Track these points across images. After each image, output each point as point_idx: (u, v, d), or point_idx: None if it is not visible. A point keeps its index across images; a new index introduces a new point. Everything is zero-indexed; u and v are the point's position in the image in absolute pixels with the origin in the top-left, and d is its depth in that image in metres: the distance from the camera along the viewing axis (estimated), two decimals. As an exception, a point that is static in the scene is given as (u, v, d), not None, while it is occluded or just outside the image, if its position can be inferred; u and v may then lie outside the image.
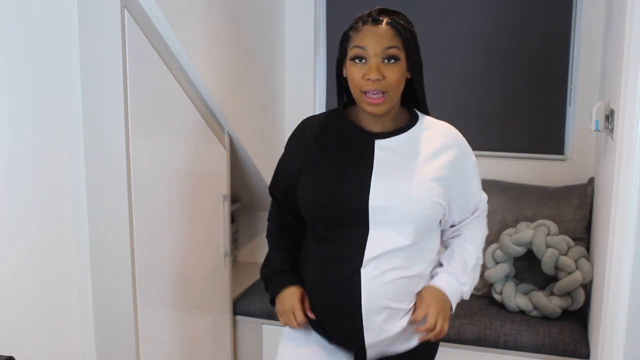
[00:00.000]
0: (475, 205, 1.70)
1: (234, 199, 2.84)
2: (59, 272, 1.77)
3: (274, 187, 1.75)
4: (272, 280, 1.69)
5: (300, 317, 1.61)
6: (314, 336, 1.67)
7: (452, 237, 1.72)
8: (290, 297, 1.63)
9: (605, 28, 2.54)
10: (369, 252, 1.52)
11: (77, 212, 1.81)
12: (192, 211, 2.23)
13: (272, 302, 1.70)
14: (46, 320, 1.73)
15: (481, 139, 2.84)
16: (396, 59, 1.48)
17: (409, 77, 1.54)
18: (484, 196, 1.74)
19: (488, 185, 2.69)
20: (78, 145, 1.79)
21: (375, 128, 1.57)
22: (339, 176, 1.54)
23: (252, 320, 2.63)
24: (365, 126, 1.57)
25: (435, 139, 1.57)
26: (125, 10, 1.74)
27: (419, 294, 1.59)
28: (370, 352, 1.62)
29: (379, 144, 1.55)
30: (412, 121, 1.59)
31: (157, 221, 1.99)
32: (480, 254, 1.70)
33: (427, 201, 1.52)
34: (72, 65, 1.75)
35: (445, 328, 1.58)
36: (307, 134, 1.63)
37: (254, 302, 2.64)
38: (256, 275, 2.93)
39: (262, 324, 2.62)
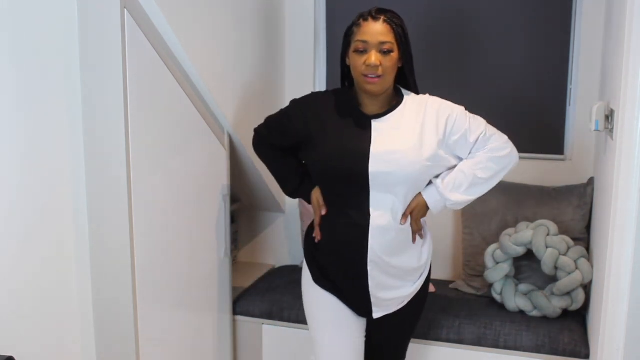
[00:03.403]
0: (476, 138, 1.90)
1: (234, 199, 2.84)
2: (59, 272, 1.77)
3: (271, 121, 2.05)
4: (299, 192, 2.07)
5: (324, 209, 1.97)
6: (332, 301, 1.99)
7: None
8: (315, 196, 2.00)
9: (605, 28, 2.54)
10: (373, 214, 1.86)
11: (77, 212, 1.81)
12: (192, 211, 2.23)
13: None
14: (46, 320, 1.73)
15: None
16: (390, 51, 1.82)
17: (400, 65, 1.87)
18: (491, 132, 1.92)
19: (488, 185, 2.70)
20: (78, 146, 1.79)
21: (372, 110, 1.90)
22: (345, 148, 1.86)
23: (252, 320, 2.63)
24: (363, 108, 1.91)
25: (417, 110, 1.89)
26: (125, 10, 1.74)
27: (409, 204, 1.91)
28: (375, 299, 1.95)
29: (374, 123, 1.88)
30: (399, 100, 1.92)
31: (157, 221, 1.99)
32: (481, 172, 1.90)
33: (417, 166, 1.83)
34: (72, 65, 1.75)
35: (419, 225, 1.94)
36: (317, 106, 1.95)
37: (254, 302, 2.64)
38: (256, 275, 2.93)
39: (262, 324, 2.62)
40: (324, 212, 1.96)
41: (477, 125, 1.90)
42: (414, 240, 1.94)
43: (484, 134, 1.89)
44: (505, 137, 1.94)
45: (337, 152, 1.87)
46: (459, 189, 1.89)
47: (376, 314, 1.98)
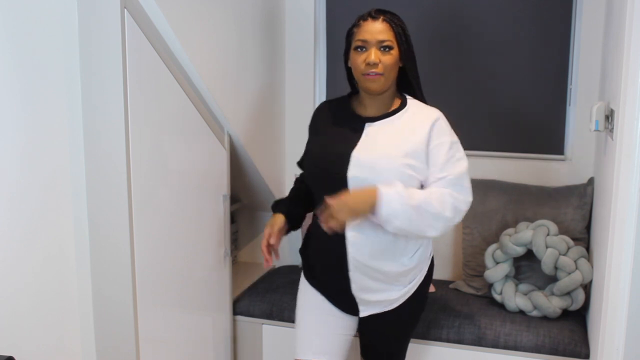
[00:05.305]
0: (441, 176, 1.82)
1: (234, 199, 2.84)
2: (59, 272, 1.77)
3: (302, 161, 2.09)
4: (278, 204, 2.11)
5: (266, 243, 2.00)
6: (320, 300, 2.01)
7: None
8: (272, 222, 2.03)
9: (605, 28, 2.54)
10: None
11: (77, 212, 1.81)
12: (192, 211, 2.23)
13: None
14: (46, 320, 1.73)
15: (481, 139, 2.84)
16: (390, 47, 1.83)
17: (401, 65, 1.88)
18: (465, 184, 1.84)
19: (488, 185, 2.70)
20: (78, 145, 1.79)
21: (370, 113, 1.90)
22: (328, 151, 1.88)
23: (252, 320, 2.63)
24: (361, 111, 1.92)
25: (415, 120, 1.87)
26: (125, 10, 1.74)
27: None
28: (359, 299, 1.94)
29: (367, 126, 1.88)
30: (400, 107, 1.91)
31: (157, 221, 1.99)
32: (430, 204, 1.77)
33: (395, 172, 1.79)
34: (72, 65, 1.75)
35: (340, 217, 1.74)
36: (320, 114, 2.03)
37: (254, 302, 2.64)
38: (256, 275, 2.94)
39: (262, 324, 2.62)
40: (273, 242, 1.98)
41: (458, 159, 1.83)
42: (328, 227, 1.77)
43: (456, 177, 1.81)
44: (470, 200, 1.85)
45: (320, 154, 1.91)
46: (411, 200, 1.75)
47: (363, 313, 1.98)
